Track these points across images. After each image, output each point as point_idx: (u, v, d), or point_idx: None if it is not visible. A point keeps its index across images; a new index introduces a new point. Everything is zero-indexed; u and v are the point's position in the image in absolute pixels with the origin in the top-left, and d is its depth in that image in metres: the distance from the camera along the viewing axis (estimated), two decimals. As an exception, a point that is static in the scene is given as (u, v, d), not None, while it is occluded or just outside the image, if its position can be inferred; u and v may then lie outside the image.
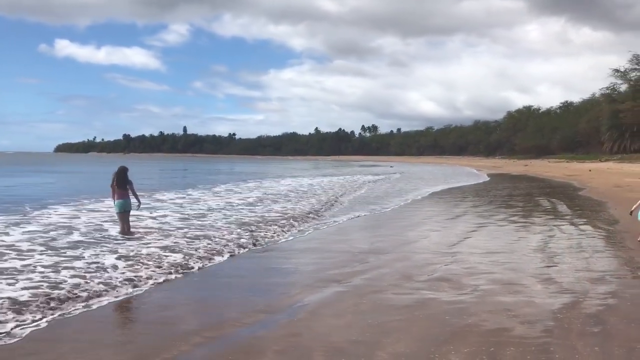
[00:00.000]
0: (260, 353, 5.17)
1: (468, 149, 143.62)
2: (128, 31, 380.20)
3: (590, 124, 78.63)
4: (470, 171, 59.43)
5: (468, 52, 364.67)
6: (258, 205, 18.63)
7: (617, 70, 70.00)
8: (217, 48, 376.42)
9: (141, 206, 12.48)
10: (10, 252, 9.30)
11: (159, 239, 11.16)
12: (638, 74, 68.60)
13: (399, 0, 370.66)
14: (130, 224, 12.06)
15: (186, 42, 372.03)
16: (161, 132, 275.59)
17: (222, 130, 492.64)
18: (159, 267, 8.67)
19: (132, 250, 9.74)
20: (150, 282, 7.89)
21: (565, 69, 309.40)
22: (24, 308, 6.28)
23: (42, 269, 8.11)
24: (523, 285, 7.78)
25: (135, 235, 11.54)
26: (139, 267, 8.55)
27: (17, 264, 8.44)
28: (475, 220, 15.58)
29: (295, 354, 5.15)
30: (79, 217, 14.17)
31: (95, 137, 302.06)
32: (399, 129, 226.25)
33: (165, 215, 15.10)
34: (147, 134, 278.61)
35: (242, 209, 17.52)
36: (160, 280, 8.03)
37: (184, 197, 21.25)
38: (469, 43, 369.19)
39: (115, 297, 7.12)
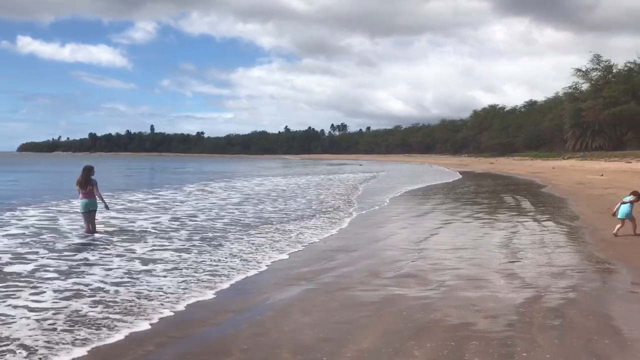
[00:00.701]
0: (226, 352, 5.17)
1: (435, 147, 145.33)
2: (93, 28, 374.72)
3: (554, 123, 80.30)
4: (442, 169, 60.12)
5: (435, 51, 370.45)
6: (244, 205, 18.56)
7: (579, 70, 71.78)
8: (185, 46, 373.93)
9: (109, 208, 12.36)
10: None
11: (132, 242, 11.04)
12: (599, 73, 70.37)
13: (366, 0, 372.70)
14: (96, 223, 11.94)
15: (153, 40, 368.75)
16: (128, 130, 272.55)
17: (190, 128, 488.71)
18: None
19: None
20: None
21: (530, 68, 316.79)
22: None
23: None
24: (487, 280, 7.94)
25: (97, 235, 11.44)
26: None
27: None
28: (442, 217, 15.82)
29: (262, 353, 5.16)
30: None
31: (60, 136, 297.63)
32: (368, 128, 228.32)
33: (156, 218, 14.91)
34: (113, 133, 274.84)
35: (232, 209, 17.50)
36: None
37: (157, 198, 21.09)
38: (436, 43, 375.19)
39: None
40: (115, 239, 11.22)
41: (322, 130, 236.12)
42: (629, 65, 69.22)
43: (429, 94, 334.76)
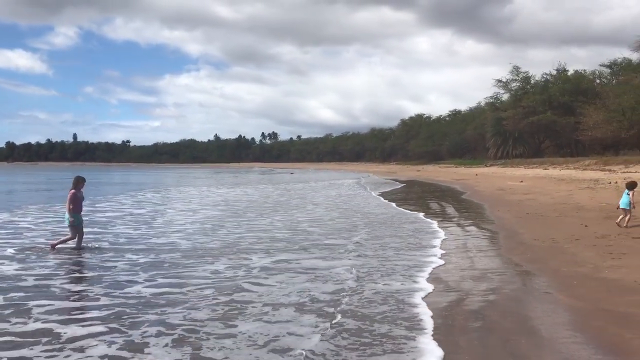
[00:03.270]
0: None
1: (365, 155, 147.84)
2: (9, 32, 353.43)
3: (477, 131, 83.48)
4: (378, 180, 60.98)
5: (363, 61, 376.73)
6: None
7: (499, 81, 74.87)
8: (108, 52, 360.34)
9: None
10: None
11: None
12: (518, 84, 73.75)
13: (295, 9, 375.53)
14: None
15: (75, 46, 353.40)
16: (49, 139, 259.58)
17: (115, 137, 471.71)
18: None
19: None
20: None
21: (453, 79, 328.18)
22: None
23: None
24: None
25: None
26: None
27: None
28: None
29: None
30: None
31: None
32: (299, 136, 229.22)
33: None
34: (33, 142, 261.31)
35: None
36: None
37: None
38: (364, 53, 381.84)
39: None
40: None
41: (253, 139, 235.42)
42: (545, 76, 73.05)
43: (358, 103, 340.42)
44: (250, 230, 14.66)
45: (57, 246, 11.04)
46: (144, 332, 5.95)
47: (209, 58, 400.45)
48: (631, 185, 13.43)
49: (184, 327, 6.09)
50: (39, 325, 6.17)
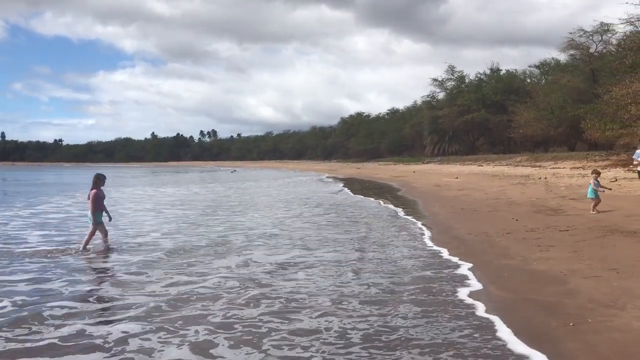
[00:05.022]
0: None
1: (306, 153, 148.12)
2: None
3: (414, 129, 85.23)
4: (322, 178, 61.11)
5: (302, 60, 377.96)
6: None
7: (435, 80, 76.75)
8: (38, 47, 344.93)
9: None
10: None
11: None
12: (453, 83, 75.80)
13: (233, 6, 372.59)
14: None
15: (1, 40, 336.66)
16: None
17: (47, 135, 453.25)
18: None
19: None
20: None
21: (390, 77, 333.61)
22: None
23: None
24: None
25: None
26: None
27: None
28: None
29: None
30: None
31: None
32: (239, 134, 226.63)
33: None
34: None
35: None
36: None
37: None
38: (303, 51, 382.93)
39: None
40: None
41: (192, 137, 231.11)
42: (479, 75, 75.53)
43: (299, 101, 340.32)
44: (233, 228, 14.59)
45: (87, 246, 11.06)
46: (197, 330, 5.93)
47: (144, 54, 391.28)
48: (596, 173, 14.72)
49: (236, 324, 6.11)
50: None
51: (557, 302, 6.49)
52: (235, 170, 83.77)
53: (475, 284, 7.73)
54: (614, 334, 5.35)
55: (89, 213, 11.05)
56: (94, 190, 11.11)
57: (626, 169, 24.98)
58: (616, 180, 18.03)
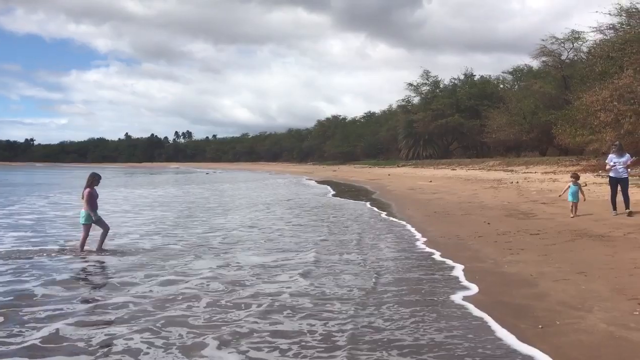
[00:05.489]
0: None
1: (282, 155, 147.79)
2: None
3: (390, 133, 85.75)
4: (298, 181, 61.12)
5: (278, 62, 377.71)
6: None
7: (410, 84, 77.26)
8: (8, 45, 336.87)
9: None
10: None
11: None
12: (428, 88, 76.54)
13: (209, 6, 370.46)
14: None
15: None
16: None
17: (18, 135, 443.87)
18: None
19: None
20: None
21: (366, 81, 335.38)
22: None
23: None
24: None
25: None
26: None
27: None
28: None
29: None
30: None
31: None
32: (214, 135, 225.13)
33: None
34: None
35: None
36: None
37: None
38: (279, 53, 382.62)
39: None
40: None
41: (166, 138, 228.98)
42: (453, 80, 76.41)
43: (274, 103, 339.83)
44: (213, 229, 14.66)
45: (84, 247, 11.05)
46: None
47: (118, 54, 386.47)
48: (575, 177, 15.04)
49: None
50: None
51: (527, 305, 6.66)
52: (209, 173, 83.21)
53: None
54: (581, 336, 5.51)
55: (83, 212, 10.96)
56: (87, 189, 11.04)
57: (595, 174, 25.61)
58: (586, 185, 18.54)
